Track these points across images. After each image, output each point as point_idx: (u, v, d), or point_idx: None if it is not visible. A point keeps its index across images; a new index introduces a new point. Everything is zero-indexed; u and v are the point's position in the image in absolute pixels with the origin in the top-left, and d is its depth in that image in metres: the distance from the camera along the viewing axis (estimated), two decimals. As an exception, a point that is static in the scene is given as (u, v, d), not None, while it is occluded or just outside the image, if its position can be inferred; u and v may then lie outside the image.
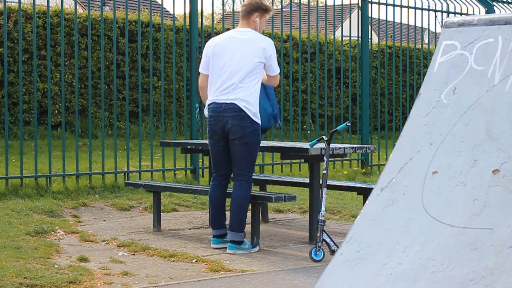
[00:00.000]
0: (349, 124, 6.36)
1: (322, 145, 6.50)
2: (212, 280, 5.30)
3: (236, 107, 6.15)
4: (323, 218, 6.00)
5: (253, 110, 6.18)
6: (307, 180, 7.38)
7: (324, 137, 6.32)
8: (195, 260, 6.00)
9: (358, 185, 7.45)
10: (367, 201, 2.95)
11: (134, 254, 6.25)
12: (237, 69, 6.19)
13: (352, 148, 6.93)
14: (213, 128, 6.28)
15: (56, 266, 5.61)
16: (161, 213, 7.64)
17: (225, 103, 6.19)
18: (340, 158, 11.32)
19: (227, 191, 6.48)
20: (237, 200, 6.24)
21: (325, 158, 6.18)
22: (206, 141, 7.69)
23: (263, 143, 6.90)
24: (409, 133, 3.00)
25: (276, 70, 6.36)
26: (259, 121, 6.25)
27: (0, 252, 5.91)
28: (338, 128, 6.26)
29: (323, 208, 6.02)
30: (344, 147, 6.76)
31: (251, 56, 6.20)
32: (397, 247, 2.74)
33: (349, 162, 11.68)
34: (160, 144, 7.94)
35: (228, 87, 6.20)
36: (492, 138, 2.76)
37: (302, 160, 10.01)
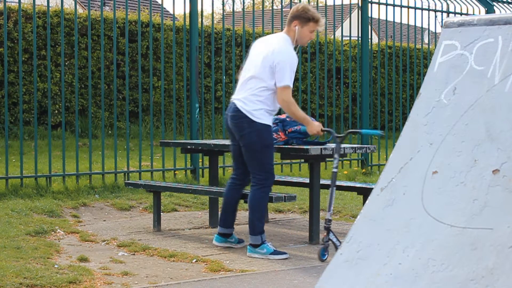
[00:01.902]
0: (382, 133, 6.33)
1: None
2: (212, 280, 5.30)
3: (234, 106, 6.13)
4: (330, 218, 5.94)
5: (251, 110, 6.05)
6: (307, 180, 7.37)
7: (335, 133, 6.19)
8: (195, 260, 6.00)
9: (358, 185, 7.45)
10: (367, 201, 2.95)
11: (134, 254, 6.25)
12: (248, 70, 6.18)
13: (352, 148, 6.92)
14: (226, 126, 6.35)
15: (56, 266, 5.61)
16: (161, 213, 7.63)
17: (231, 102, 6.24)
18: (340, 158, 11.31)
19: (244, 192, 6.43)
20: (249, 203, 6.21)
21: (336, 156, 6.07)
22: (206, 141, 7.70)
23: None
24: (409, 133, 3.00)
25: (280, 80, 5.98)
26: (263, 121, 6.05)
27: (0, 252, 5.91)
28: (363, 131, 6.20)
29: (331, 207, 5.93)
30: (344, 147, 6.75)
31: (262, 58, 6.07)
32: (397, 247, 2.74)
33: (349, 162, 11.68)
34: (160, 144, 7.94)
35: (238, 87, 6.23)
36: (492, 138, 2.76)
37: (302, 160, 10.01)
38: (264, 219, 6.24)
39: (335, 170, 6.01)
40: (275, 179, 7.80)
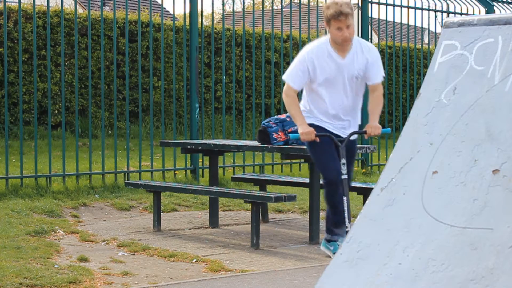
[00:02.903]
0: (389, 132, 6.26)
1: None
2: (212, 280, 5.30)
3: None
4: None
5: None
6: (307, 180, 7.37)
7: (335, 139, 5.89)
8: (195, 260, 6.00)
9: (358, 185, 7.44)
10: (367, 201, 2.95)
11: (134, 254, 6.26)
12: None
13: (352, 148, 6.90)
14: None
15: (56, 266, 5.61)
16: (161, 213, 7.63)
17: None
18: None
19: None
20: None
21: (343, 161, 5.73)
22: (206, 141, 7.70)
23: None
24: (409, 133, 3.00)
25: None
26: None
27: (0, 252, 5.91)
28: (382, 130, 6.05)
29: (350, 218, 5.67)
30: (344, 147, 6.74)
31: None
32: (397, 247, 2.74)
33: (349, 162, 11.67)
34: (160, 144, 7.94)
35: None
36: (492, 138, 2.76)
37: (302, 160, 10.00)
38: (334, 217, 5.83)
39: (344, 177, 5.71)
40: (275, 179, 7.84)
